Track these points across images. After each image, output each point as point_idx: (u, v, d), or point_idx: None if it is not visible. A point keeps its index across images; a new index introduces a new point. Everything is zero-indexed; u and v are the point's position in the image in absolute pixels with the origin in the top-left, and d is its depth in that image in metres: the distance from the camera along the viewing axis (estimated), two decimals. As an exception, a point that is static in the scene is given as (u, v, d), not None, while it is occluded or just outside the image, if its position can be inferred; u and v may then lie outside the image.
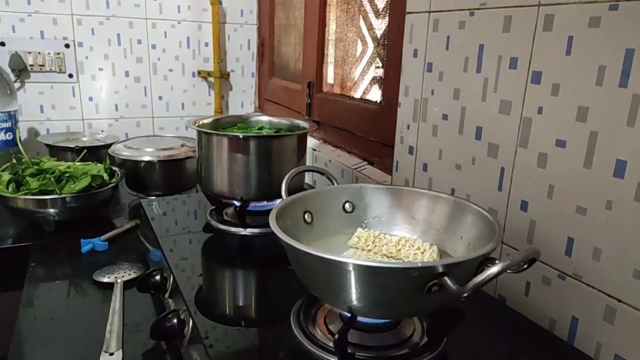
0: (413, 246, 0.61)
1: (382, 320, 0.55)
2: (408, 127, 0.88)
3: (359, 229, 0.66)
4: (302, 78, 1.39)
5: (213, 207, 0.92)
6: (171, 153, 1.21)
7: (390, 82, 0.97)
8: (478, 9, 0.70)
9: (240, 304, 0.67)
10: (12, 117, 1.27)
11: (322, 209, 0.66)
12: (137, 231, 1.00)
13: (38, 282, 0.82)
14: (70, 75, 1.49)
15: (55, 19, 1.44)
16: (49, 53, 1.44)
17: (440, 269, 0.44)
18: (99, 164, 1.09)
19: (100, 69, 1.53)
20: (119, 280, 0.79)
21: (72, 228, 0.99)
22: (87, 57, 1.50)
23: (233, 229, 0.85)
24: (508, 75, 0.66)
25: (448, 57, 0.76)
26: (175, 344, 0.63)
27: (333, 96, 1.25)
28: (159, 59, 1.59)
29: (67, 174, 1.01)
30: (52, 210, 0.96)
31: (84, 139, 1.42)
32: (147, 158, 1.18)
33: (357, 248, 0.63)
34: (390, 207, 0.67)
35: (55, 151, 1.33)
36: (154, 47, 1.57)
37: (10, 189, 0.97)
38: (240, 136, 0.85)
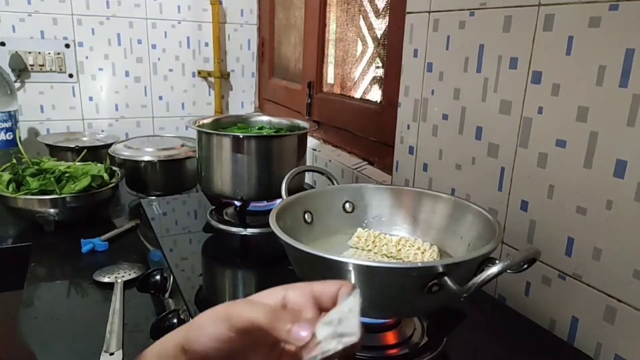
0: (413, 246, 0.61)
1: (382, 320, 0.55)
2: (408, 127, 0.88)
3: (359, 229, 0.66)
4: (302, 78, 1.39)
5: (213, 207, 0.92)
6: (171, 153, 1.21)
7: (390, 82, 0.97)
8: (478, 9, 0.70)
9: (240, 304, 0.67)
10: (12, 117, 1.27)
11: (322, 209, 0.66)
12: (137, 231, 1.00)
13: (38, 282, 0.82)
14: (71, 75, 1.49)
15: (56, 18, 1.43)
16: (49, 53, 1.44)
17: (440, 269, 0.44)
18: (99, 164, 1.09)
19: (101, 69, 1.52)
20: (119, 280, 0.79)
21: (72, 228, 0.99)
22: (87, 57, 1.50)
23: (233, 229, 0.85)
24: (508, 75, 0.66)
25: (448, 57, 0.76)
26: (175, 344, 0.62)
27: (333, 96, 1.25)
28: (159, 59, 1.59)
29: (67, 174, 1.01)
30: (52, 210, 0.96)
31: (84, 139, 1.42)
32: (147, 158, 1.18)
33: (357, 248, 0.63)
34: (391, 207, 0.67)
35: (55, 151, 1.33)
36: (154, 47, 1.57)
37: (10, 189, 0.96)
38: (240, 136, 0.85)
